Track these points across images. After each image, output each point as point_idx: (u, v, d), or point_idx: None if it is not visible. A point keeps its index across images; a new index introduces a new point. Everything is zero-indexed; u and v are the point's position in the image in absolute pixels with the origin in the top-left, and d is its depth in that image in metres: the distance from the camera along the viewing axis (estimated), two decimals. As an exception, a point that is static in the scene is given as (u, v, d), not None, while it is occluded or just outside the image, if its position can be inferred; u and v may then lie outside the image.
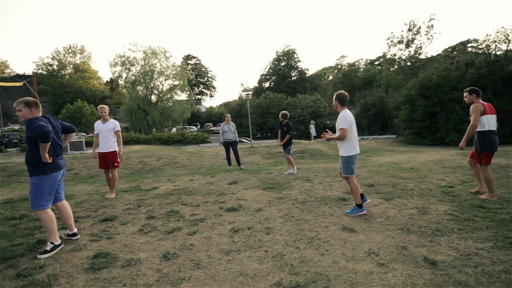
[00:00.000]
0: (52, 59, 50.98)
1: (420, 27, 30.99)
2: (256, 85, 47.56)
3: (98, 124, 5.10)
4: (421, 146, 12.28)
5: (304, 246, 2.92)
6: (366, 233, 3.18)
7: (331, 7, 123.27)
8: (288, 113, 6.88)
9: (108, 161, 5.03)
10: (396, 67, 33.07)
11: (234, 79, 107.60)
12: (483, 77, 11.42)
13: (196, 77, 41.43)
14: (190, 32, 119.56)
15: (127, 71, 32.42)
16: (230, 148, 8.08)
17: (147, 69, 32.31)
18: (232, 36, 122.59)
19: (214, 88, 54.79)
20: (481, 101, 4.22)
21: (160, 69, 32.74)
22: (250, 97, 13.69)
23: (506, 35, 40.52)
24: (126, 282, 2.38)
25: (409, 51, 32.24)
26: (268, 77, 45.15)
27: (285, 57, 43.71)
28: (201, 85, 52.53)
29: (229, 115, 8.18)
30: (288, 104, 21.69)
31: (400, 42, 32.39)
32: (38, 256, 2.84)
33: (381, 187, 5.08)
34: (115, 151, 5.07)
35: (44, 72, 50.98)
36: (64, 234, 3.28)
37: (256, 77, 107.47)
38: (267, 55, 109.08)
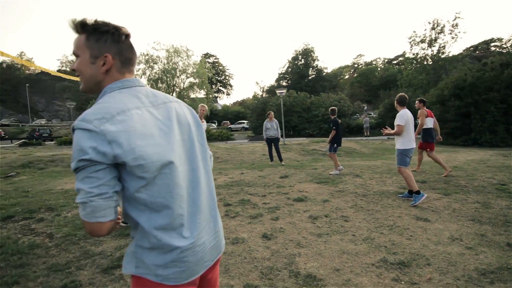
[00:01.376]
0: (76, 56, 52.72)
1: (444, 26, 30.50)
2: (274, 83, 47.78)
3: None
4: (453, 147, 12.29)
5: (388, 232, 3.23)
6: (440, 223, 3.45)
7: (347, 5, 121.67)
8: (335, 109, 6.86)
9: None
10: (418, 65, 32.56)
11: (246, 78, 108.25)
12: (519, 78, 11.35)
13: (214, 75, 42.06)
14: (207, 30, 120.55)
15: (150, 69, 33.27)
16: (272, 144, 8.43)
17: (170, 67, 33.07)
18: (246, 34, 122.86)
19: (231, 86, 55.47)
20: (425, 108, 6.11)
21: (182, 67, 33.45)
22: (284, 94, 13.97)
23: (533, 34, 39.27)
24: (245, 255, 2.76)
25: (432, 50, 31.77)
26: (286, 75, 45.29)
27: (304, 56, 43.72)
28: (218, 83, 53.24)
29: (272, 113, 8.51)
30: (311, 103, 21.85)
31: (422, 41, 31.96)
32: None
33: (434, 184, 5.31)
34: None
35: (68, 69, 52.80)
36: None
37: (272, 75, 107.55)
38: (282, 53, 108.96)
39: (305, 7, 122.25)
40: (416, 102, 6.27)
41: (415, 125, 4.94)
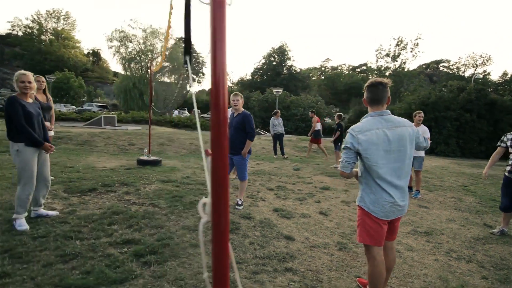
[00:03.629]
0: (32, 21, 47.34)
1: (407, 44, 34.06)
2: (247, 77, 48.50)
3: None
4: (414, 153, 14.52)
5: (405, 214, 4.48)
6: (436, 210, 4.82)
7: (319, 8, 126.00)
8: (341, 114, 8.25)
9: None
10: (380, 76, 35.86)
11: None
12: (471, 101, 13.90)
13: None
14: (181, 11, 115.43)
15: (124, 47, 31.80)
16: (277, 139, 9.45)
17: (145, 48, 31.97)
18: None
19: (203, 74, 54.67)
20: (316, 116, 9.67)
21: (160, 50, 32.53)
22: (280, 93, 15.07)
23: (475, 60, 45.60)
24: (319, 225, 3.76)
25: (394, 65, 35.30)
26: (261, 71, 46.26)
27: (279, 54, 45.03)
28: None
29: (279, 111, 9.51)
30: (291, 102, 23.20)
31: (387, 55, 35.34)
32: (236, 207, 4.10)
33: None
34: None
35: (20, 34, 47.31)
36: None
37: (243, 68, 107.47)
38: (253, 47, 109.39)
39: (279, 5, 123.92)
40: (310, 112, 10.23)
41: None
